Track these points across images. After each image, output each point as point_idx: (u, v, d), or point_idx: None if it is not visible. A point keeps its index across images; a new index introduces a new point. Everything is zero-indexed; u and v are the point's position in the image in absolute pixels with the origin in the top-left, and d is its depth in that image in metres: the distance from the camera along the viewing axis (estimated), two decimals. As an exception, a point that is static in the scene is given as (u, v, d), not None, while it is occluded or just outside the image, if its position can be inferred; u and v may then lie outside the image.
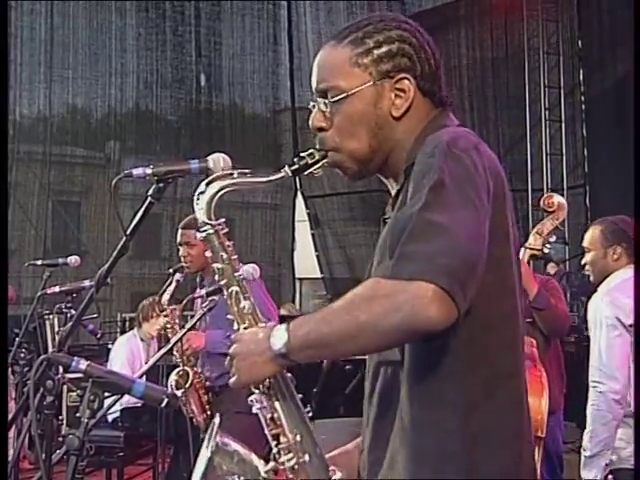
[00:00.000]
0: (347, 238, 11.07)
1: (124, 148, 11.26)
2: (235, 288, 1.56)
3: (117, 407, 4.97)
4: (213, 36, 11.37)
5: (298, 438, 1.47)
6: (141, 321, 5.54)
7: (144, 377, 2.48)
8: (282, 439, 1.48)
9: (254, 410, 1.52)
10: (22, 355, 3.60)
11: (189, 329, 3.08)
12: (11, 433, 3.82)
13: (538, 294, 3.88)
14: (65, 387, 4.51)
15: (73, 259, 3.98)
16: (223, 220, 1.58)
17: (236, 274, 1.57)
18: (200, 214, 1.56)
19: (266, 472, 1.50)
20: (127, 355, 5.37)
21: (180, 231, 3.96)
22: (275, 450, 1.48)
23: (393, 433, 1.42)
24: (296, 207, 11.47)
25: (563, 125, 10.20)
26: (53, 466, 1.87)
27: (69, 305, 3.60)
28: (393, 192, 1.55)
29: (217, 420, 1.56)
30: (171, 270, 3.91)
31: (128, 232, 1.73)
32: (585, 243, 3.42)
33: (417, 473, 1.38)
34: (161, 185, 1.71)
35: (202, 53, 11.24)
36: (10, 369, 3.81)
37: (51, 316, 4.31)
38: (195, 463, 1.54)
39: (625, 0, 8.14)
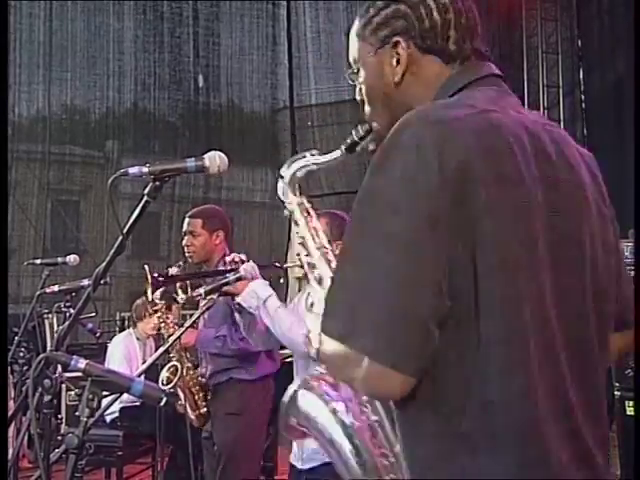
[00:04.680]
0: (345, 237, 11.09)
1: (123, 148, 11.27)
2: (312, 259, 1.59)
3: (116, 406, 4.97)
4: (211, 37, 11.37)
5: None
6: (135, 320, 5.55)
7: (142, 376, 2.49)
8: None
9: None
10: (21, 354, 3.60)
11: (187, 327, 3.09)
12: (10, 432, 3.83)
13: None
14: (64, 386, 4.51)
15: (72, 258, 3.98)
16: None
17: (315, 245, 1.61)
18: (281, 195, 1.66)
19: (344, 423, 1.43)
20: (124, 353, 5.37)
21: (187, 219, 3.95)
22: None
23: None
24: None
25: (562, 125, 10.20)
26: (52, 465, 1.88)
27: (68, 304, 3.60)
28: None
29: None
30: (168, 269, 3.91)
31: (125, 231, 1.73)
32: None
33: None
34: (157, 184, 1.72)
35: (200, 54, 11.25)
36: (9, 368, 3.81)
37: (50, 315, 4.30)
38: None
39: (624, -1, 8.16)
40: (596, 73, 9.75)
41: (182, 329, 3.11)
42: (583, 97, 9.98)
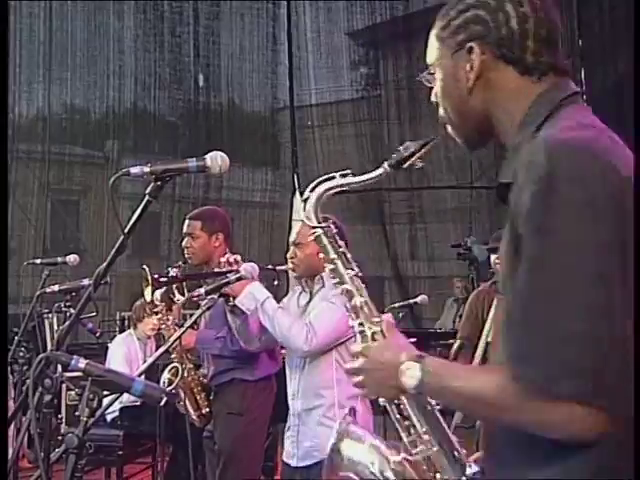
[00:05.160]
0: (345, 237, 11.06)
1: (123, 147, 11.26)
2: (346, 286, 1.58)
3: (116, 406, 4.97)
4: (212, 36, 11.36)
5: (426, 429, 1.47)
6: (135, 321, 5.56)
7: (143, 376, 2.49)
8: (412, 431, 1.48)
9: (380, 402, 1.51)
10: (21, 354, 3.59)
11: (188, 327, 3.08)
12: (10, 432, 3.82)
13: None
14: (64, 386, 4.51)
15: (72, 258, 3.98)
16: (331, 221, 1.63)
17: (347, 272, 1.59)
18: (306, 219, 1.61)
19: (395, 463, 1.49)
20: (125, 354, 5.37)
21: (186, 221, 3.95)
22: (405, 441, 1.48)
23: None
24: (294, 207, 11.45)
25: (562, 124, 10.17)
26: (52, 465, 1.88)
27: (68, 304, 3.60)
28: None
29: (346, 410, 1.59)
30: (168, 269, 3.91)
31: (126, 231, 1.73)
32: None
33: None
34: (159, 183, 1.72)
35: (200, 53, 11.23)
36: (9, 368, 3.81)
37: (50, 315, 4.30)
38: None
39: (624, -1, 8.16)
40: (597, 73, 9.75)
41: (182, 329, 3.10)
42: (584, 97, 9.98)
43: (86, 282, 3.46)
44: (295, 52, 11.38)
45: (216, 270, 3.42)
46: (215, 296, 3.13)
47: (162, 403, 1.78)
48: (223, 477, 3.76)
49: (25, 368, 3.56)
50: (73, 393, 4.93)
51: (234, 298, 3.28)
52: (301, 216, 1.63)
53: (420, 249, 11.26)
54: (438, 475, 1.45)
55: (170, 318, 3.87)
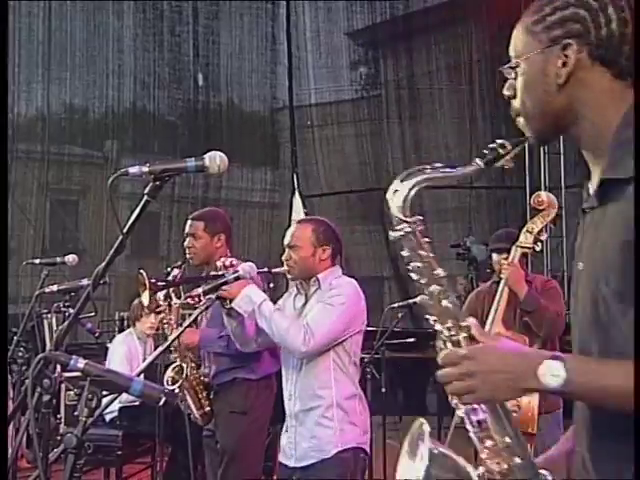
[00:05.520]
0: (345, 237, 11.07)
1: (122, 147, 11.27)
2: (435, 287, 1.49)
3: (115, 406, 4.97)
4: (211, 35, 11.37)
5: (507, 440, 1.41)
6: (133, 320, 5.57)
7: (142, 375, 2.48)
8: (489, 442, 1.42)
9: (458, 413, 1.44)
10: (20, 354, 3.59)
11: (187, 327, 3.09)
12: (9, 431, 3.82)
13: (527, 296, 3.87)
14: (63, 386, 4.51)
15: (71, 258, 3.99)
16: (420, 217, 1.53)
17: (435, 272, 1.50)
18: (396, 212, 1.51)
19: (478, 476, 1.42)
20: (125, 353, 5.37)
21: (189, 222, 3.97)
22: (484, 454, 1.42)
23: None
24: (293, 207, 11.44)
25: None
26: (51, 465, 1.87)
27: (67, 304, 3.60)
28: (594, 176, 1.45)
29: (427, 428, 1.46)
30: (168, 269, 3.91)
31: (125, 231, 1.73)
32: None
33: None
34: (157, 183, 1.72)
35: (200, 52, 11.25)
36: (8, 368, 3.81)
37: (49, 315, 4.31)
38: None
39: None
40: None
41: (181, 328, 3.10)
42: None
43: (85, 282, 3.46)
44: (294, 52, 11.39)
45: (213, 273, 3.42)
46: (213, 296, 3.13)
47: (161, 403, 1.77)
48: (226, 476, 3.76)
49: (24, 368, 3.56)
50: (72, 393, 4.93)
51: (230, 301, 3.28)
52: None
53: (420, 249, 11.25)
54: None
55: (172, 317, 3.87)
